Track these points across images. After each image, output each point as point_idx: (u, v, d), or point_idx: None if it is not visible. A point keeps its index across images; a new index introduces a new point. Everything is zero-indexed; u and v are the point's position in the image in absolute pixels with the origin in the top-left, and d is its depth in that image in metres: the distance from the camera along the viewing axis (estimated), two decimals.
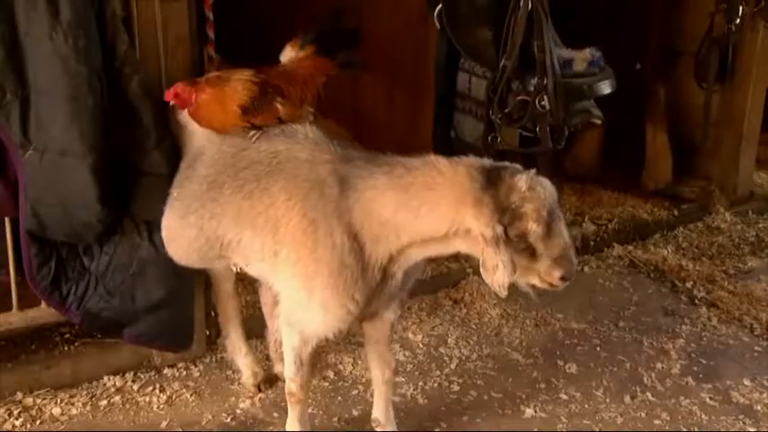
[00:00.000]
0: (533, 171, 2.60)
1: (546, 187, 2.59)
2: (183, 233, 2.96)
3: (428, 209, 2.59)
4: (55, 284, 3.16)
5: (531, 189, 2.54)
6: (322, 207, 2.69)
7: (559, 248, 2.62)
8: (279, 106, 2.86)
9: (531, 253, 2.58)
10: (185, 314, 3.47)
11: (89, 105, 2.84)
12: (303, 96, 2.95)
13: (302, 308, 2.79)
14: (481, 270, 2.56)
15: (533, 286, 2.75)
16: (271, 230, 2.75)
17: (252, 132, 2.86)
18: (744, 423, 3.55)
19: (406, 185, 2.63)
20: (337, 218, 2.68)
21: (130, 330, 3.32)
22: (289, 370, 2.98)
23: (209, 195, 2.87)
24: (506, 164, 2.63)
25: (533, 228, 2.53)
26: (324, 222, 2.68)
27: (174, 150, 3.10)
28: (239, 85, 2.83)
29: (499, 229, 2.48)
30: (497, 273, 2.51)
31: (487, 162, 2.64)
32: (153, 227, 3.12)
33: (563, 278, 2.66)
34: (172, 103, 2.89)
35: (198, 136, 3.02)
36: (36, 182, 2.94)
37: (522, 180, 2.53)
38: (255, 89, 2.82)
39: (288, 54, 3.13)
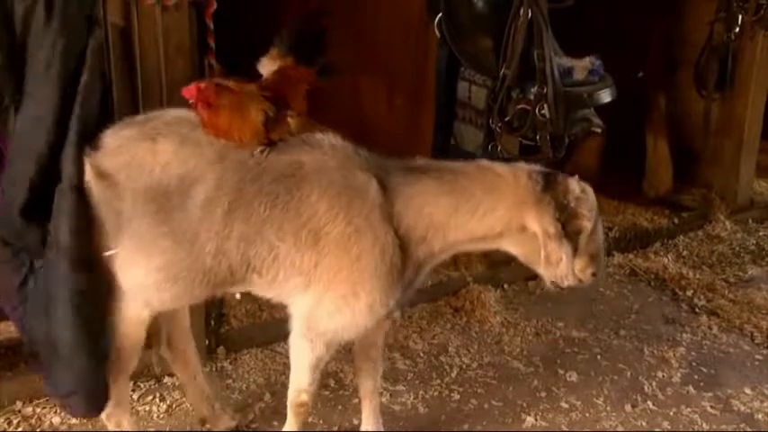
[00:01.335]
0: (577, 176, 2.83)
1: (590, 191, 2.84)
2: (191, 268, 2.72)
3: (485, 210, 2.75)
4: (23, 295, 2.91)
5: (583, 191, 2.79)
6: (366, 214, 2.70)
7: (596, 247, 2.86)
8: (290, 119, 2.80)
9: (574, 250, 2.77)
10: (88, 376, 2.84)
11: (61, 112, 2.72)
12: (297, 107, 2.89)
13: (342, 315, 2.76)
14: (543, 264, 2.76)
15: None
16: (312, 241, 2.71)
17: (260, 148, 2.72)
18: None
19: (461, 189, 2.77)
20: (385, 224, 2.72)
21: (42, 363, 2.91)
22: (302, 382, 2.92)
23: (234, 217, 2.69)
24: (554, 170, 2.85)
25: (587, 226, 2.76)
26: (369, 229, 2.70)
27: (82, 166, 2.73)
28: (259, 100, 2.71)
29: (560, 227, 2.70)
30: (561, 265, 2.74)
31: (538, 167, 2.84)
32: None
33: (594, 274, 2.88)
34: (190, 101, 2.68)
35: (176, 164, 2.70)
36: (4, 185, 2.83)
37: (575, 183, 2.78)
38: (272, 105, 2.72)
39: (267, 65, 2.97)
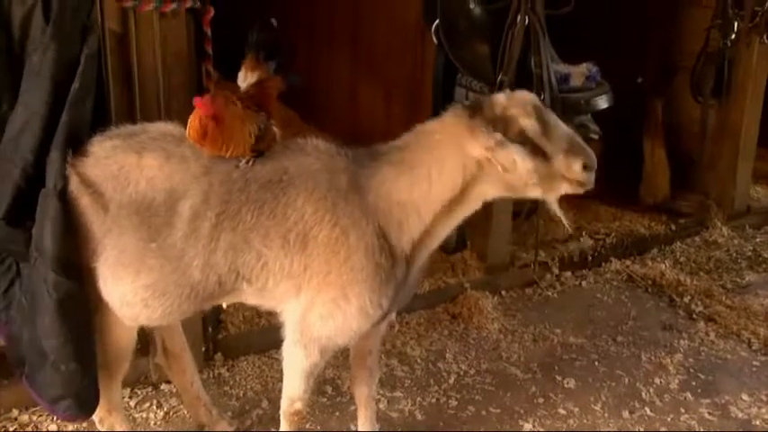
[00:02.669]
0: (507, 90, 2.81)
1: (524, 93, 2.75)
2: (179, 283, 2.71)
3: (437, 168, 2.71)
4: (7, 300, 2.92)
5: (510, 98, 2.71)
6: (349, 213, 2.71)
7: (565, 139, 2.71)
8: (275, 130, 2.82)
9: (543, 156, 2.66)
10: (77, 380, 2.81)
11: (49, 118, 2.72)
12: (276, 116, 2.88)
13: (334, 319, 2.76)
14: (505, 177, 2.65)
15: (563, 205, 2.83)
16: (301, 245, 2.71)
17: (246, 159, 2.73)
18: None
19: (410, 162, 2.75)
20: (365, 221, 2.72)
21: (27, 369, 2.90)
22: (297, 390, 2.90)
23: (223, 227, 2.69)
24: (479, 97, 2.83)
25: (527, 122, 2.65)
26: (354, 228, 2.71)
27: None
28: (250, 113, 2.73)
29: (498, 135, 2.62)
30: (518, 166, 2.61)
31: (462, 103, 2.82)
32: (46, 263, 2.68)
33: (585, 167, 2.70)
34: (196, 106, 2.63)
35: (160, 179, 2.69)
36: None
37: (500, 95, 2.73)
38: (264, 118, 2.75)
39: (248, 77, 2.99)
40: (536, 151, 2.64)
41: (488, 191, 2.77)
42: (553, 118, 2.74)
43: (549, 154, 2.66)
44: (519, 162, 2.60)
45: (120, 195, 2.70)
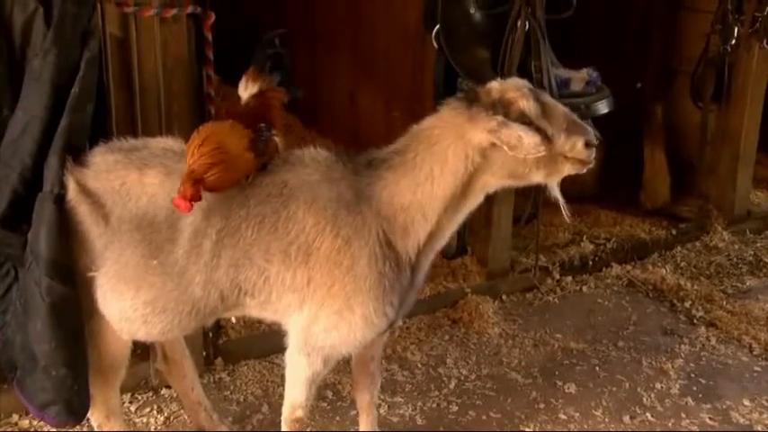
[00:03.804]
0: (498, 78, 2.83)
1: (516, 79, 2.81)
2: (180, 300, 2.73)
3: (439, 164, 2.70)
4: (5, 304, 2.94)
5: (504, 83, 2.74)
6: (351, 223, 2.70)
7: (563, 117, 2.72)
8: (276, 139, 2.81)
9: (545, 137, 2.64)
10: (69, 384, 2.79)
11: (48, 122, 2.73)
12: (278, 126, 2.88)
13: (338, 330, 2.75)
14: (512, 154, 2.62)
15: (563, 194, 2.83)
16: (303, 258, 2.70)
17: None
18: None
19: (411, 163, 2.73)
20: (368, 229, 2.71)
21: (18, 374, 2.90)
22: (299, 398, 2.90)
23: (224, 244, 2.69)
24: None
25: (525, 104, 2.66)
26: (356, 237, 2.70)
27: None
28: (243, 135, 2.69)
29: (500, 117, 2.62)
30: (524, 139, 2.58)
31: (456, 96, 2.83)
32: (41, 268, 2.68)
33: (587, 144, 2.72)
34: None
35: (162, 196, 2.69)
36: None
37: (494, 82, 2.75)
38: (251, 132, 2.71)
39: (249, 88, 2.97)
40: (538, 132, 2.63)
41: (491, 181, 2.76)
42: (549, 99, 2.78)
43: (550, 135, 2.66)
44: (524, 137, 2.58)
45: (120, 210, 2.70)
